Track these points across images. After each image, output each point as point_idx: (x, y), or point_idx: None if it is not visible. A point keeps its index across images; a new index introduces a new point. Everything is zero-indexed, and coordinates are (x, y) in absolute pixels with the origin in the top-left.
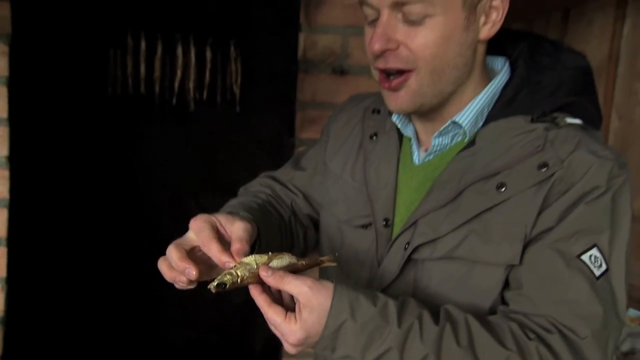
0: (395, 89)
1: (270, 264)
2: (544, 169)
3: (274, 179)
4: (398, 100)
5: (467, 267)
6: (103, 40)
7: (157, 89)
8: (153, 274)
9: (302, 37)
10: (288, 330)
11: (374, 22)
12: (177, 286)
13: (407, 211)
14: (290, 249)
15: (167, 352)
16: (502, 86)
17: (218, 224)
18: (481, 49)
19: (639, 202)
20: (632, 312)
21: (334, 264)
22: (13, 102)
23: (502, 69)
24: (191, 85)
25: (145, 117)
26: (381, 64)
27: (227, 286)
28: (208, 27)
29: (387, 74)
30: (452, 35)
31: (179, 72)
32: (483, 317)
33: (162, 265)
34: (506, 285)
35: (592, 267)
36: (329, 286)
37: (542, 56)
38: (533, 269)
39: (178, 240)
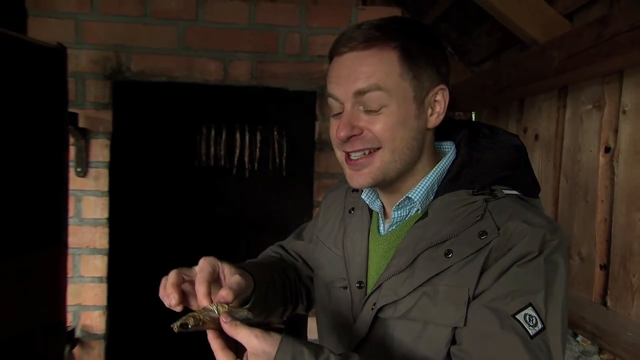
0: (358, 168)
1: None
2: (483, 237)
3: (282, 247)
4: (360, 178)
5: (421, 326)
6: (189, 129)
7: (222, 162)
8: None
9: (317, 125)
10: None
11: (338, 114)
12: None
13: (376, 275)
14: (295, 304)
15: None
16: (449, 165)
17: (220, 270)
18: (429, 135)
19: (587, 247)
20: (581, 337)
21: (282, 327)
22: (113, 179)
23: (449, 151)
24: (246, 159)
25: (216, 182)
26: (348, 148)
27: (190, 327)
28: (257, 119)
29: (350, 156)
30: (406, 121)
31: (237, 151)
32: None
33: (162, 282)
34: (454, 342)
35: (526, 326)
36: (276, 337)
37: (481, 138)
38: (470, 327)
39: (184, 269)
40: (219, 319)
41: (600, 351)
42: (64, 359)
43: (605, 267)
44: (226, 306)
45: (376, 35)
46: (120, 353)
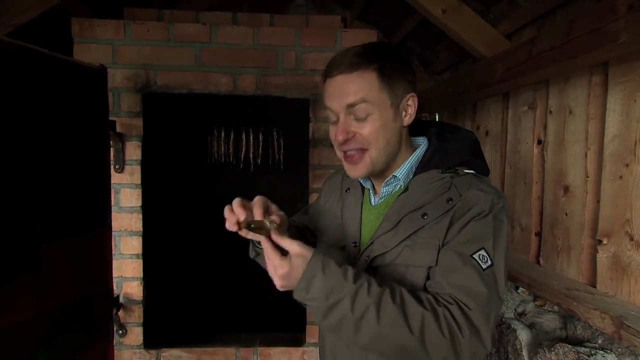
0: (355, 163)
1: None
2: (449, 202)
3: (293, 221)
4: (356, 170)
5: (404, 269)
6: (204, 132)
7: (231, 159)
8: (238, 265)
9: (311, 125)
10: (279, 264)
11: (334, 122)
12: (227, 226)
13: (368, 236)
14: None
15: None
16: (423, 153)
17: (270, 205)
18: (405, 131)
19: (526, 219)
20: (521, 290)
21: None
22: (144, 174)
23: (423, 143)
24: (250, 156)
25: (226, 175)
26: (345, 148)
27: (252, 227)
28: (260, 121)
29: (347, 153)
30: (387, 124)
31: (243, 149)
32: (412, 290)
33: (226, 208)
34: (428, 278)
35: (480, 262)
36: (311, 247)
37: (446, 134)
38: (440, 265)
39: (243, 199)
40: (269, 231)
41: (535, 299)
42: (113, 320)
43: (538, 234)
44: (275, 224)
45: (359, 61)
46: (155, 315)
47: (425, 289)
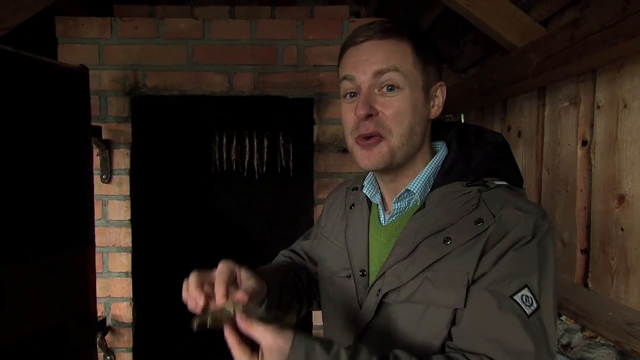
0: (370, 147)
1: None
2: (479, 224)
3: (292, 250)
4: (371, 157)
5: (423, 308)
6: (198, 137)
7: (234, 166)
8: None
9: (316, 128)
10: None
11: (352, 98)
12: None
13: (379, 262)
14: (310, 302)
15: None
16: (442, 160)
17: (237, 274)
18: (429, 126)
19: (569, 233)
20: (565, 317)
21: (293, 321)
22: (133, 185)
23: (441, 149)
24: (255, 163)
25: (230, 183)
26: (363, 129)
27: (208, 326)
28: (264, 126)
29: (363, 137)
30: (416, 107)
31: (247, 156)
32: (427, 357)
33: (184, 284)
34: (454, 323)
35: (523, 306)
36: (289, 334)
37: (469, 136)
38: (470, 308)
39: (202, 271)
40: (235, 317)
41: (583, 328)
42: (97, 345)
43: (585, 252)
44: (241, 306)
45: (392, 28)
46: (146, 339)
47: (449, 336)
